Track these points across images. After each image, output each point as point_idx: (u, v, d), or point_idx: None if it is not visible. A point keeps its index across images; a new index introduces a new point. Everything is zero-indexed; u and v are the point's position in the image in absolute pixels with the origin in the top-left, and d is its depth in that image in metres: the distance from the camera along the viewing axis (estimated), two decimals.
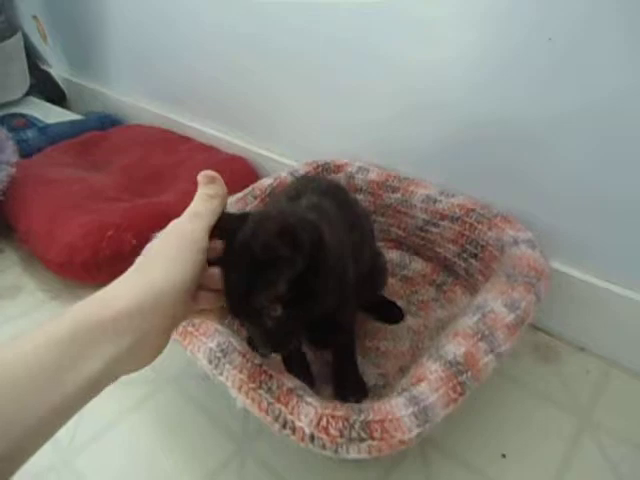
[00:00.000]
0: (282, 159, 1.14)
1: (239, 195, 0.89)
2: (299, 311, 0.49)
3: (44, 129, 1.42)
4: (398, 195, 0.89)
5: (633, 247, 0.73)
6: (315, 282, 0.49)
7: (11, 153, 1.05)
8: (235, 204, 0.86)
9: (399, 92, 0.88)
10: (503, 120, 0.77)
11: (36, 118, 1.48)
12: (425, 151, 0.89)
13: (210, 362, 0.57)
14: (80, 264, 0.91)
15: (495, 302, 0.62)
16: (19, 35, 1.59)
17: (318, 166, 0.97)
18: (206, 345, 0.58)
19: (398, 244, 0.96)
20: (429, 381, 0.53)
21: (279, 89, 1.09)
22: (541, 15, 0.67)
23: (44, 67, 1.86)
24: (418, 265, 0.92)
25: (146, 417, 0.74)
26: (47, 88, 1.83)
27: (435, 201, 0.85)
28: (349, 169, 0.96)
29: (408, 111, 0.89)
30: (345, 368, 0.72)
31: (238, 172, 1.16)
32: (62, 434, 0.70)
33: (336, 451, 0.48)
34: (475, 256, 0.82)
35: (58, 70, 1.85)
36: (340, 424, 0.49)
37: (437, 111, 0.84)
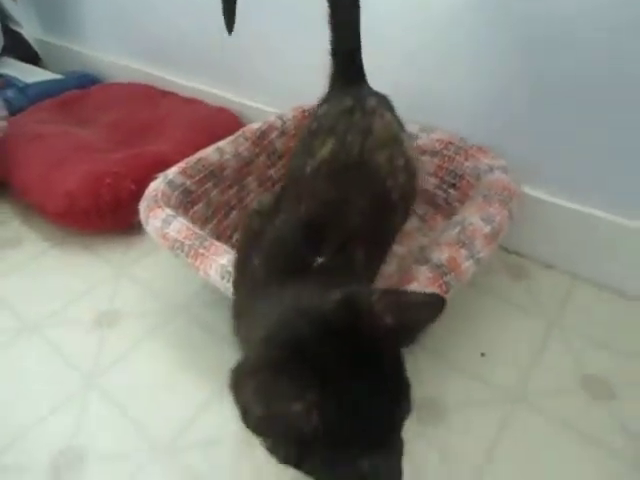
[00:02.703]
0: (267, 108, 1.18)
1: (231, 138, 0.93)
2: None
3: (24, 89, 1.41)
4: None
5: (591, 170, 0.81)
6: None
7: (0, 107, 1.06)
8: (228, 145, 0.91)
9: (377, 29, 0.92)
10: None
11: (15, 78, 1.47)
12: (401, 89, 0.94)
13: (222, 277, 0.63)
14: (81, 211, 0.95)
15: (473, 217, 0.69)
16: None
17: (304, 111, 1.02)
18: (217, 262, 0.64)
19: None
20: (419, 281, 0.60)
21: (259, 36, 1.11)
22: None
23: (14, 27, 1.82)
24: None
25: (162, 342, 0.80)
26: (19, 49, 1.78)
27: (416, 137, 0.92)
28: None
29: (386, 48, 0.92)
30: None
31: (224, 123, 1.19)
32: (84, 360, 0.76)
33: None
34: (453, 186, 0.89)
35: (29, 30, 1.81)
36: None
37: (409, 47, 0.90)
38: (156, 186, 0.79)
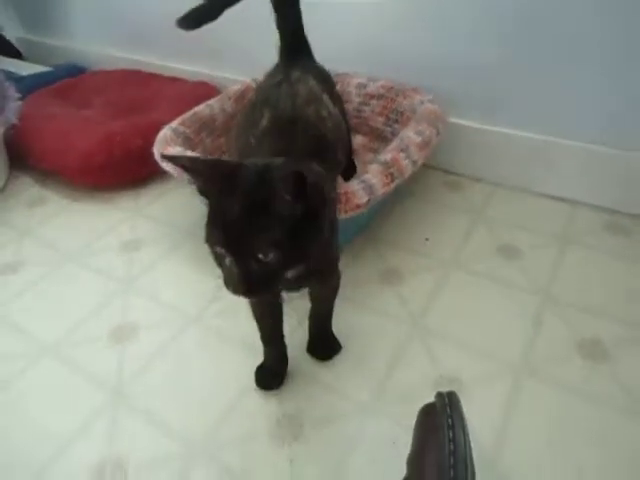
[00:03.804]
0: (242, 78, 1.39)
1: (217, 97, 1.15)
2: (289, 260, 0.51)
3: (20, 80, 1.58)
4: (338, 87, 1.18)
5: (506, 100, 1.06)
6: (312, 230, 0.52)
7: (14, 91, 1.25)
8: (215, 102, 1.13)
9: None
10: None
11: (10, 72, 1.64)
12: (350, 48, 1.17)
13: None
14: (97, 167, 1.15)
15: (409, 132, 0.94)
16: None
17: None
18: None
19: None
20: (372, 172, 0.84)
21: (231, 16, 1.32)
22: None
23: None
24: (359, 139, 1.22)
25: (180, 256, 1.03)
26: (1, 49, 1.95)
27: (365, 86, 1.16)
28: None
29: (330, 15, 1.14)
30: (322, 326, 0.79)
31: (205, 94, 1.39)
32: (119, 272, 1.01)
33: None
34: (397, 121, 1.13)
35: (10, 31, 1.97)
36: None
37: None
38: (164, 133, 1.01)
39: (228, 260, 0.51)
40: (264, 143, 0.67)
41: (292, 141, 0.66)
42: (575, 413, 0.69)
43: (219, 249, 0.51)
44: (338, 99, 0.91)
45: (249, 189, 0.50)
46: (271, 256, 0.50)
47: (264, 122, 0.70)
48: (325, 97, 0.79)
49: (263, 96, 0.77)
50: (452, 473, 0.49)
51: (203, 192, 0.54)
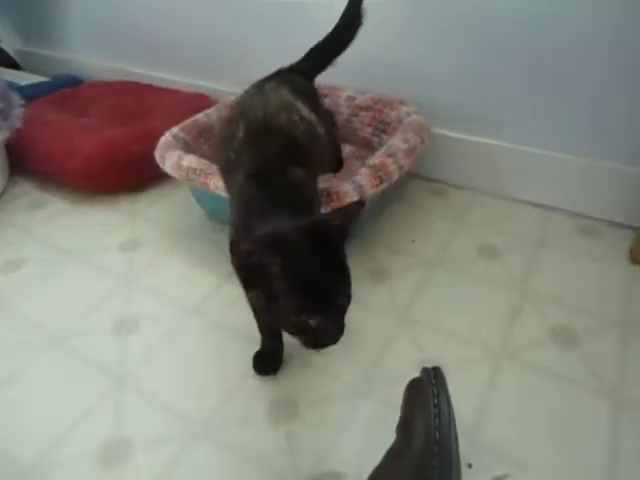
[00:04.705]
0: (237, 91, 1.46)
1: (214, 106, 1.22)
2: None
3: (20, 89, 1.63)
4: (328, 100, 1.26)
5: (484, 112, 1.14)
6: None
7: (18, 98, 1.30)
8: (213, 111, 1.19)
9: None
10: None
11: (10, 82, 1.68)
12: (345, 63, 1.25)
13: None
14: (99, 171, 1.20)
15: (396, 140, 1.01)
16: None
17: None
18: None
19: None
20: (361, 175, 0.91)
21: (224, 30, 1.40)
22: None
23: None
24: (348, 148, 1.29)
25: (178, 255, 1.08)
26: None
27: (354, 99, 1.23)
28: None
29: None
30: None
31: (202, 105, 1.45)
32: (120, 270, 1.08)
33: None
34: (384, 131, 1.20)
35: (9, 44, 2.02)
36: None
37: None
38: (165, 138, 1.07)
39: (314, 321, 0.56)
40: (242, 155, 0.71)
41: (266, 148, 0.70)
42: (548, 392, 0.75)
43: (305, 316, 0.56)
44: (317, 105, 0.93)
45: (321, 249, 0.56)
46: (349, 299, 0.58)
47: (240, 134, 0.73)
48: (299, 104, 0.82)
49: (238, 110, 0.80)
50: (437, 434, 0.55)
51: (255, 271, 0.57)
